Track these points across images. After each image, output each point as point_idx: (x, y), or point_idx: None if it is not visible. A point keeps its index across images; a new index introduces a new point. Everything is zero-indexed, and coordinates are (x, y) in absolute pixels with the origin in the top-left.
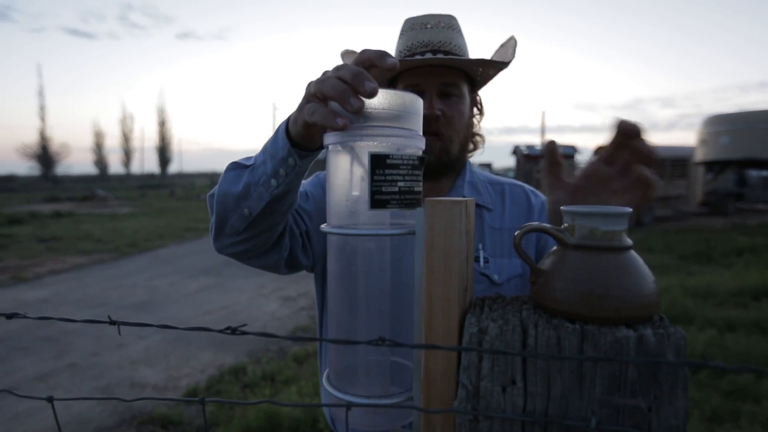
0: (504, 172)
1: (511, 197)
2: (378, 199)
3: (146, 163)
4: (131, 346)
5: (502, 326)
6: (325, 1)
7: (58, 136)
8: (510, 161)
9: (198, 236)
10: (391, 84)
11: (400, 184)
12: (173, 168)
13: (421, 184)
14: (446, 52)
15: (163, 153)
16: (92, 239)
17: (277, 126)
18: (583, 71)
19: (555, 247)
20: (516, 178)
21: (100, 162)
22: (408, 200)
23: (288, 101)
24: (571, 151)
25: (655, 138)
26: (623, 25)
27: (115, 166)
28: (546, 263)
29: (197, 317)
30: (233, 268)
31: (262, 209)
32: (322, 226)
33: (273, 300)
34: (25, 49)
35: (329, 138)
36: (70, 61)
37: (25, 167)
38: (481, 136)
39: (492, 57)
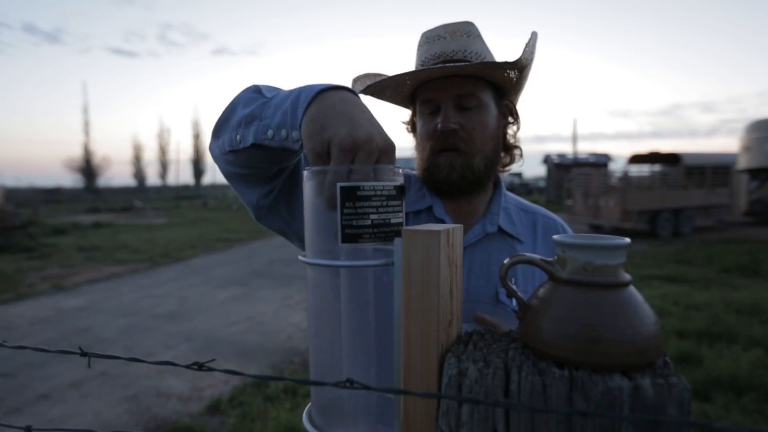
0: (535, 181)
1: (544, 230)
2: (349, 234)
3: (181, 174)
4: (159, 356)
5: (483, 369)
6: (353, 14)
7: (100, 150)
8: (540, 170)
9: (228, 246)
10: (410, 100)
11: (373, 216)
12: (207, 179)
13: (400, 215)
14: (460, 61)
15: (198, 165)
16: (128, 249)
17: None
18: (618, 77)
19: (546, 280)
20: (547, 187)
21: (139, 174)
22: (383, 233)
23: None
24: (604, 160)
25: (694, 145)
26: (658, 31)
27: (152, 178)
28: (534, 299)
29: (223, 328)
30: (261, 279)
31: (247, 147)
32: (300, 256)
33: (298, 311)
34: (72, 69)
35: (306, 172)
36: (113, 79)
37: (71, 180)
38: (518, 147)
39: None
